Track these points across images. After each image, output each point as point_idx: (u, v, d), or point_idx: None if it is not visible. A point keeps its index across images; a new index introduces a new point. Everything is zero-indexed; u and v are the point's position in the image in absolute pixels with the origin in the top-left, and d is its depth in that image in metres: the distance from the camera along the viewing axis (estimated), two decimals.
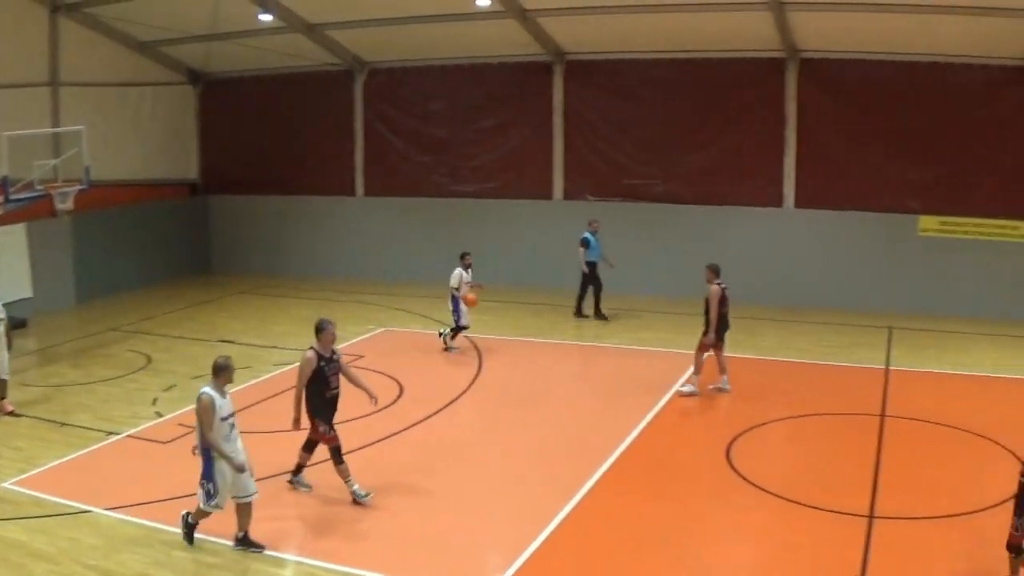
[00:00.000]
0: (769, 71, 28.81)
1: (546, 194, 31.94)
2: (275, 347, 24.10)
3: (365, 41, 31.59)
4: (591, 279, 27.28)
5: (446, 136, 32.90)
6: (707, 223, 29.51)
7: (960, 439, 17.64)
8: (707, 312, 20.14)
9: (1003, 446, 17.06)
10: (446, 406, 19.56)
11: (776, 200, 29.34)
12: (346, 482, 14.42)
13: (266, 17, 26.96)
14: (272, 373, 21.52)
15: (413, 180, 33.32)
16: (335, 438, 14.31)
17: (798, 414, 18.98)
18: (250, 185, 35.21)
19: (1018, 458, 16.24)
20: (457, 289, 23.46)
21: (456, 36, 29.87)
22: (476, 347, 24.03)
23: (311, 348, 14.29)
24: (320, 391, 14.18)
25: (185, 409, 18.63)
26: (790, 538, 13.59)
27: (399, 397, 19.82)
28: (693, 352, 20.66)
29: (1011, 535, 11.49)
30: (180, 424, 17.86)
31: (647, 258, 29.25)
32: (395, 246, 33.61)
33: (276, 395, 19.39)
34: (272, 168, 34.81)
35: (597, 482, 15.46)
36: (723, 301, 20.13)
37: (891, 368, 22.29)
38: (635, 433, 17.77)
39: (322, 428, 14.24)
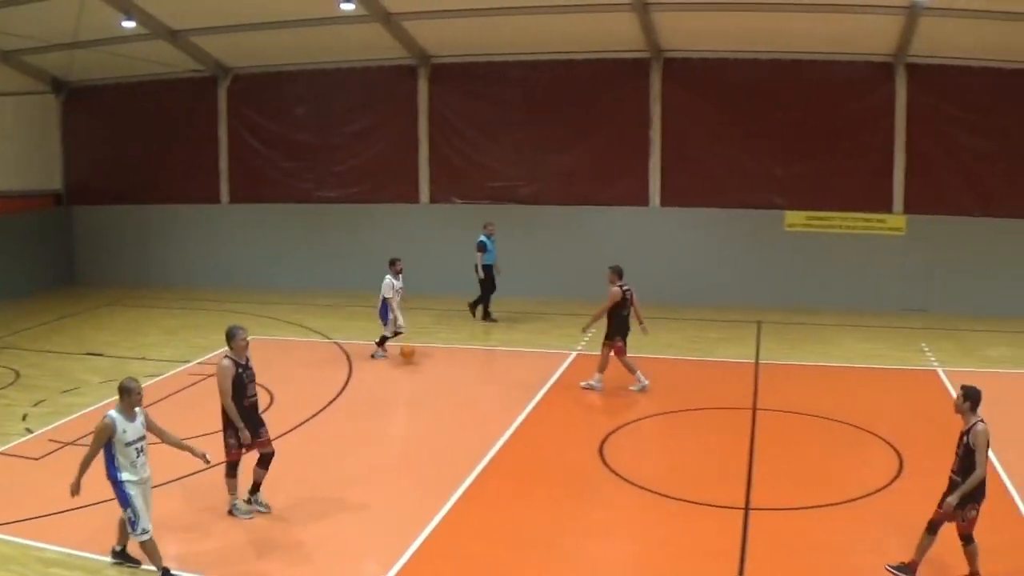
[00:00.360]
0: (634, 71, 29.21)
1: (412, 198, 31.89)
2: (144, 359, 23.63)
3: (229, 47, 31.23)
4: (487, 282, 27.34)
5: (312, 142, 32.63)
6: (574, 223, 29.78)
7: (832, 429, 18.08)
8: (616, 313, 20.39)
9: (875, 435, 17.59)
10: (318, 413, 19.35)
11: (642, 199, 29.73)
12: (230, 494, 14.15)
13: (129, 24, 26.46)
14: (143, 384, 21.03)
15: (279, 186, 32.98)
16: (238, 455, 14.01)
17: (670, 410, 19.27)
18: (115, 194, 34.43)
19: (892, 446, 16.76)
20: (389, 298, 23.18)
21: (320, 40, 29.64)
22: (346, 353, 23.84)
23: (226, 357, 13.94)
24: (237, 400, 13.80)
25: (56, 424, 18.24)
26: (667, 533, 13.74)
27: (270, 405, 19.52)
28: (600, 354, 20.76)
29: (959, 525, 12.01)
30: (51, 440, 17.37)
31: (516, 260, 29.31)
32: (262, 254, 33.24)
33: (147, 407, 18.98)
34: (137, 177, 34.08)
35: (472, 484, 15.38)
36: (622, 303, 20.30)
37: (761, 362, 22.73)
38: (508, 434, 17.78)
39: (231, 441, 13.89)
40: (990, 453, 16.46)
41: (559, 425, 18.73)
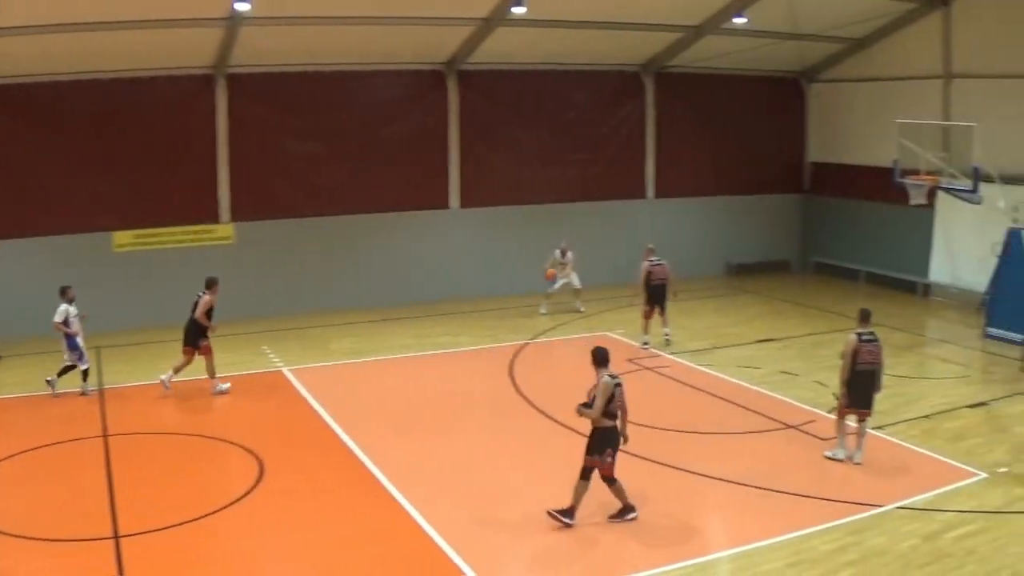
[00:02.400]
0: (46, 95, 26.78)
1: None
2: None
3: None
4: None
5: None
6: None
7: (189, 444, 18.20)
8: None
9: (232, 442, 17.96)
10: None
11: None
12: None
13: None
14: None
15: None
16: None
17: (16, 451, 17.88)
18: None
19: (250, 451, 17.06)
20: (65, 323, 20.94)
21: None
22: None
23: None
24: None
25: None
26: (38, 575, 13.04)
27: None
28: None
29: (601, 469, 14.25)
30: None
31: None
32: None
33: None
34: None
35: None
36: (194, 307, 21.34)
37: (106, 387, 21.91)
38: None
39: None
40: (346, 438, 17.42)
41: None
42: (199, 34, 25.45)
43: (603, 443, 14.25)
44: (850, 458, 17.01)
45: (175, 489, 15.87)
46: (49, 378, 21.56)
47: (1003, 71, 29.00)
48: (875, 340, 16.89)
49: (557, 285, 29.21)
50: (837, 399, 17.54)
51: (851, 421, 17.22)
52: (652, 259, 25.55)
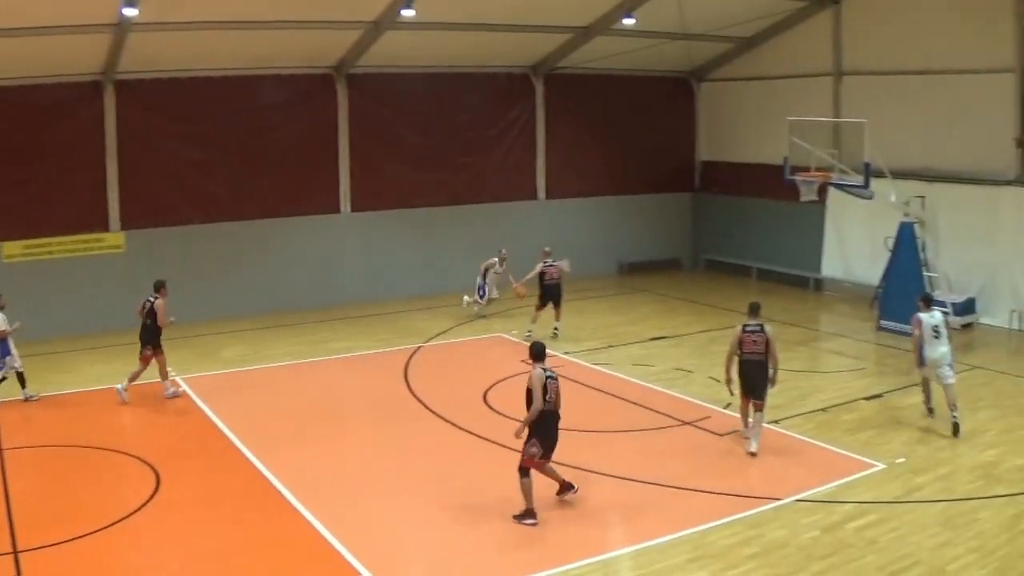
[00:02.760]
0: None
1: None
2: None
3: None
4: None
5: None
6: None
7: (85, 456, 17.83)
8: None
9: (128, 454, 17.72)
10: None
11: None
12: None
13: None
14: None
15: None
16: None
17: None
18: None
19: (146, 462, 16.89)
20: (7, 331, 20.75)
21: None
22: None
23: None
24: None
25: None
26: None
27: None
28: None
29: (524, 459, 14.43)
30: None
31: None
32: None
33: None
34: None
35: None
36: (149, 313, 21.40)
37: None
38: None
39: None
40: (241, 446, 17.30)
41: None
42: (87, 40, 24.91)
43: (532, 432, 14.35)
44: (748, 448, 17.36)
45: (73, 502, 15.59)
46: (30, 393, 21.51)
47: (892, 68, 29.84)
48: (760, 331, 17.27)
49: (485, 299, 29.20)
50: (732, 393, 17.94)
51: (751, 416, 17.57)
52: (547, 261, 26.03)
